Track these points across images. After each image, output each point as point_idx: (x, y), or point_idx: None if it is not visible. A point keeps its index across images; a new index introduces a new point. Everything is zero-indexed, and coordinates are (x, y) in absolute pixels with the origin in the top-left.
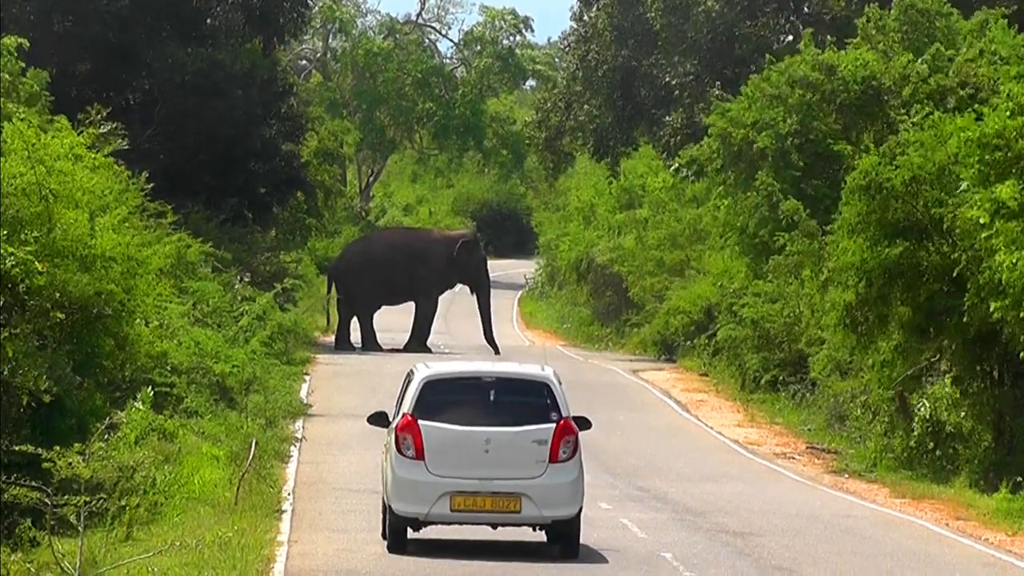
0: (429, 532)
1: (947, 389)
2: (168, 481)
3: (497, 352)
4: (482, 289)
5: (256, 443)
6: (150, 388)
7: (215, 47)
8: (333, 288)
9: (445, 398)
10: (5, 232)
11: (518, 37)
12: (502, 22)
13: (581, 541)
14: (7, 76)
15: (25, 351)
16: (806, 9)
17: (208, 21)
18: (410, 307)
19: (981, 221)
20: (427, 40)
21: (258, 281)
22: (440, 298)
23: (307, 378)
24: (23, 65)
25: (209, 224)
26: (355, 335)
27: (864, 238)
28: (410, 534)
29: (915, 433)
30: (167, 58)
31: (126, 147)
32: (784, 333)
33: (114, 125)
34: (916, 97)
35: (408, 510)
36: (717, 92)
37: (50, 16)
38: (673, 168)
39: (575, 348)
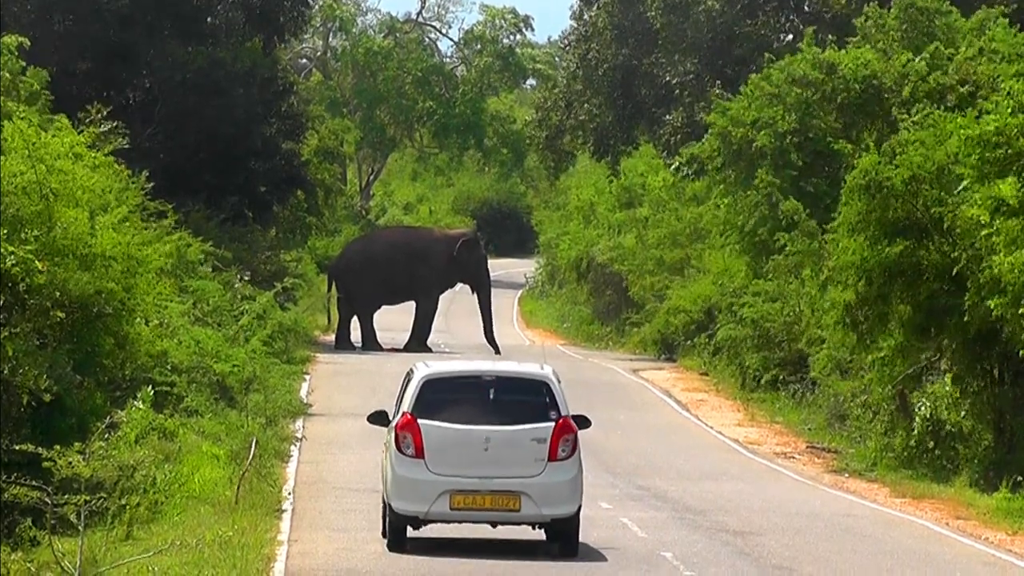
0: (429, 530)
1: (947, 388)
2: (168, 480)
3: (498, 351)
4: (482, 288)
5: (256, 442)
6: (150, 387)
7: (215, 46)
8: (333, 287)
9: (445, 397)
10: (5, 231)
11: (518, 36)
12: (502, 21)
13: (581, 540)
14: (7, 75)
15: (25, 350)
16: (806, 8)
17: (208, 20)
18: (410, 306)
19: (981, 220)
20: (427, 39)
21: (258, 280)
22: (440, 297)
23: (307, 377)
24: (23, 64)
25: (209, 223)
26: (355, 334)
27: (864, 237)
28: (410, 532)
29: (915, 432)
30: (167, 57)
31: (126, 146)
32: (784, 332)
33: (114, 124)
34: (915, 96)
35: (408, 508)
36: (717, 91)
37: (50, 15)
38: (674, 167)
39: (575, 347)
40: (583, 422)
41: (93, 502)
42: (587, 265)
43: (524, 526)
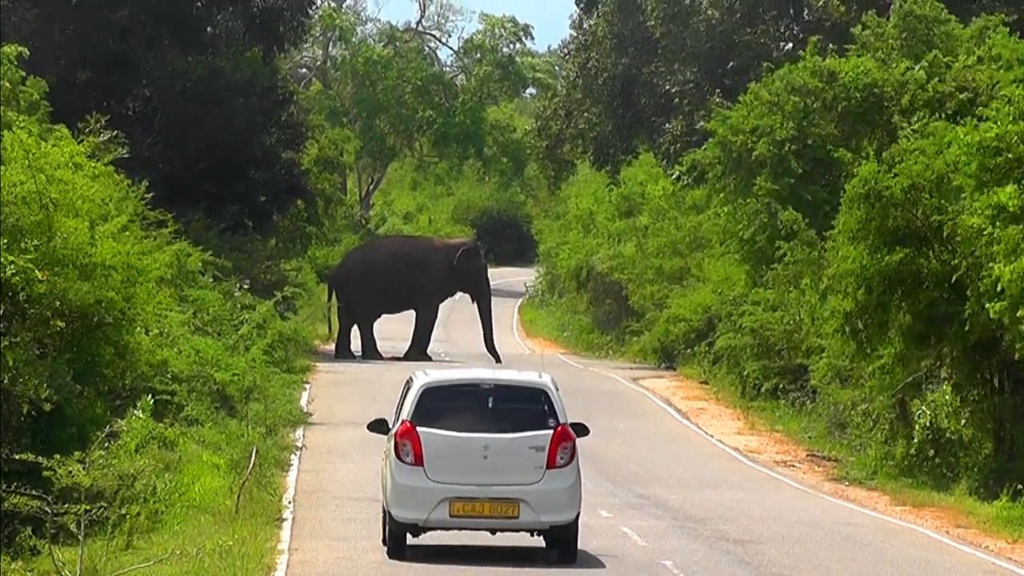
0: (428, 538)
1: (947, 397)
2: (168, 489)
3: (498, 360)
4: (482, 297)
5: (256, 451)
6: (150, 396)
7: (215, 55)
8: (333, 296)
9: (444, 405)
10: (5, 240)
11: (518, 45)
12: (502, 30)
13: (582, 549)
14: (7, 84)
15: (25, 359)
16: (806, 16)
17: (208, 29)
18: (410, 315)
19: (982, 228)
20: (427, 48)
21: (258, 289)
22: (440, 306)
23: (307, 386)
24: (23, 74)
25: (209, 232)
26: (355, 343)
27: (864, 245)
28: (410, 540)
29: (915, 441)
30: (167, 66)
31: (126, 155)
32: (784, 341)
33: (114, 133)
34: (915, 104)
35: (407, 516)
36: (717, 100)
37: (51, 25)
38: (674, 176)
39: (575, 356)
40: (581, 430)
41: (93, 511)
42: (587, 274)
43: (523, 533)
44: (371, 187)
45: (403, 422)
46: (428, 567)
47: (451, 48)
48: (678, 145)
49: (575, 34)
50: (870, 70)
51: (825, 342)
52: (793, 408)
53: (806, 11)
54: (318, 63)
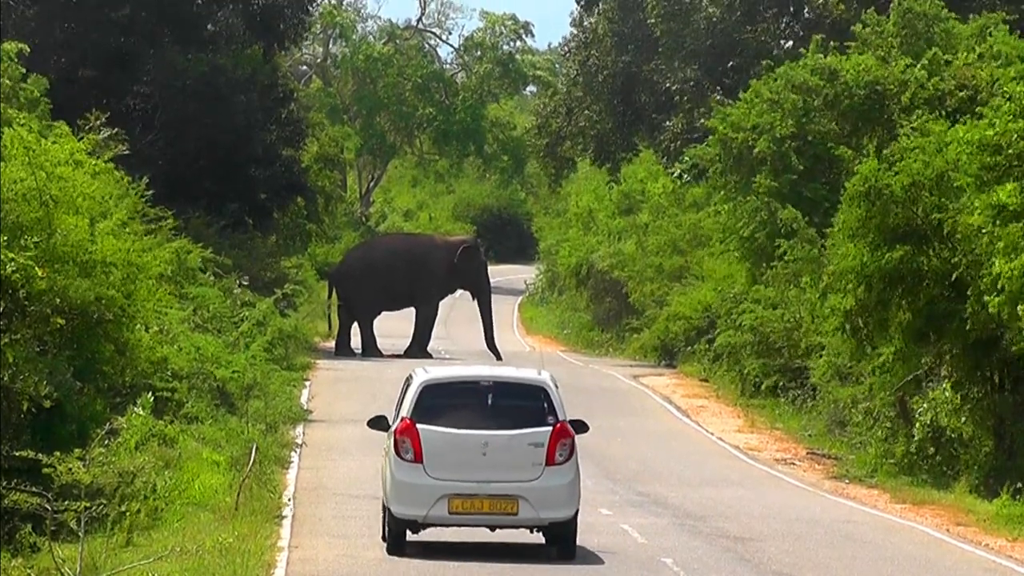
0: (428, 534)
1: (947, 394)
2: (168, 487)
3: (499, 357)
4: (483, 294)
5: (256, 448)
6: (150, 393)
7: (216, 53)
8: (334, 294)
9: (443, 402)
10: (5, 237)
11: (518, 42)
12: (502, 27)
13: (582, 547)
14: (8, 82)
15: (25, 356)
16: (806, 14)
17: (209, 27)
18: (410, 313)
19: (981, 227)
20: (427, 45)
21: (258, 287)
22: (441, 304)
23: (307, 384)
24: (24, 71)
25: (209, 229)
26: (355, 341)
27: (864, 243)
28: (409, 536)
29: (916, 438)
30: (168, 64)
31: (126, 152)
32: (784, 339)
33: (114, 130)
34: (915, 102)
35: (407, 512)
36: (717, 97)
37: (51, 22)
38: (675, 174)
39: (575, 354)
40: (580, 427)
41: (93, 508)
42: (587, 271)
43: (522, 530)
44: (371, 184)
45: (403, 419)
46: (428, 563)
47: (451, 45)
48: (678, 143)
49: (575, 32)
50: (871, 67)
51: (825, 340)
52: (793, 406)
53: (806, 9)
54: (318, 60)
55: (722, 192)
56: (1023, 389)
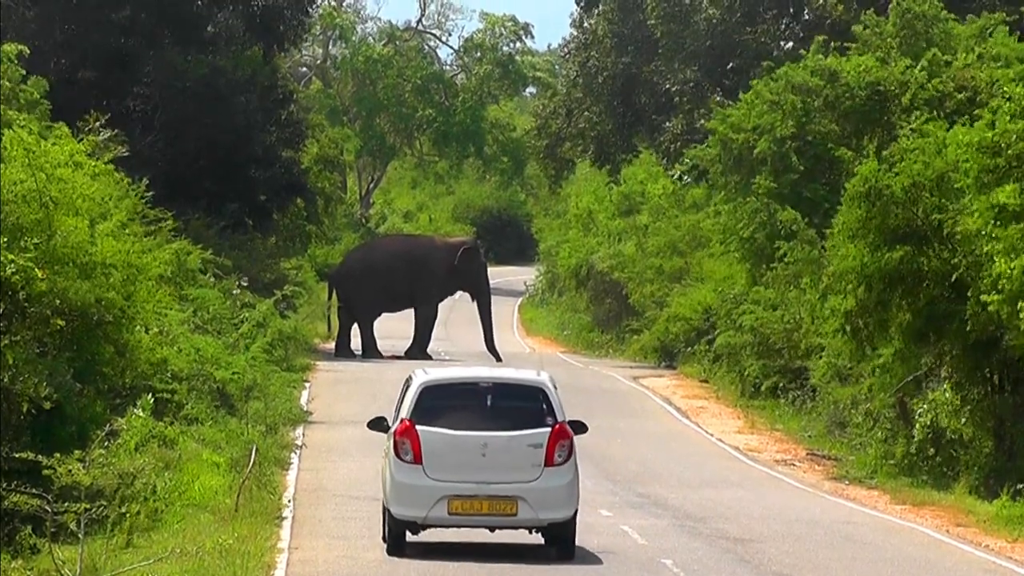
0: (428, 535)
1: (947, 395)
2: (168, 488)
3: (498, 359)
4: (482, 296)
5: (256, 450)
6: (150, 395)
7: (215, 54)
8: (334, 295)
9: (443, 403)
10: (5, 239)
11: (518, 44)
12: (502, 29)
13: (581, 546)
14: (7, 83)
15: (25, 358)
16: (805, 16)
17: (209, 28)
18: (410, 314)
19: (980, 230)
20: (427, 47)
21: (258, 288)
22: (440, 305)
23: (307, 385)
24: (23, 72)
25: (209, 231)
26: (355, 342)
27: (864, 244)
28: (409, 537)
29: (915, 439)
30: (167, 65)
31: (126, 154)
32: (784, 340)
33: (114, 132)
34: (915, 103)
35: (407, 513)
36: (717, 98)
37: (51, 24)
38: (676, 175)
39: (575, 355)
40: (579, 427)
41: (93, 510)
42: (587, 273)
43: (521, 530)
44: (371, 186)
45: (402, 420)
46: (427, 564)
47: (451, 47)
48: (678, 144)
49: (575, 33)
50: (871, 68)
51: (825, 341)
52: (793, 407)
53: (806, 10)
54: (318, 62)
55: (722, 193)
56: (1023, 390)
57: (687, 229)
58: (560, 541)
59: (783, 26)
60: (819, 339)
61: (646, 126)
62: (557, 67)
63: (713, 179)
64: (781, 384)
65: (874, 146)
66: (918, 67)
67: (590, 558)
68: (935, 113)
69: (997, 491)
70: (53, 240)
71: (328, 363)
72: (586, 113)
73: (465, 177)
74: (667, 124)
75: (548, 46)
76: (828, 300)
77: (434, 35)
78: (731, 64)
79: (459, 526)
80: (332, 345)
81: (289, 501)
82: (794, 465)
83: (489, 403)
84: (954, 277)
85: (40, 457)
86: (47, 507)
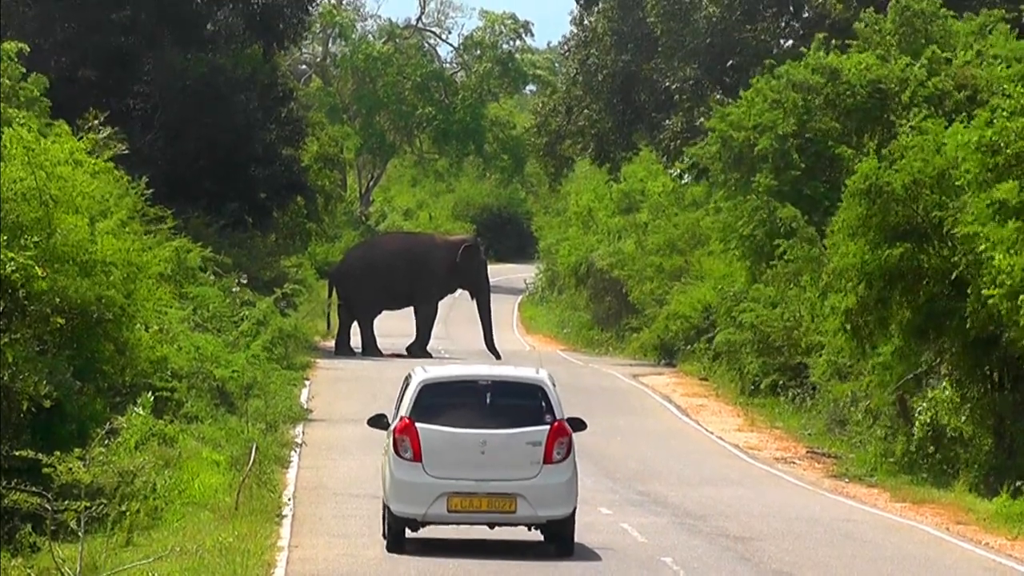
0: (428, 532)
1: (947, 393)
2: (168, 486)
3: (498, 357)
4: (482, 294)
5: (256, 448)
6: (150, 393)
7: (215, 52)
8: (334, 293)
9: (442, 401)
10: (5, 237)
11: (518, 42)
12: (502, 26)
13: (580, 543)
14: (7, 81)
15: (25, 356)
16: (805, 13)
17: (209, 27)
18: (410, 312)
19: (979, 231)
20: (427, 44)
21: (258, 286)
22: (440, 303)
23: (307, 383)
24: (23, 70)
25: (209, 229)
26: (355, 340)
27: (864, 241)
28: (409, 533)
29: (915, 437)
30: (167, 63)
31: (126, 151)
32: (784, 338)
33: (113, 130)
34: (915, 100)
35: (406, 511)
36: (717, 96)
37: (52, 23)
38: (676, 173)
39: (575, 353)
40: (578, 424)
41: (93, 508)
42: (587, 271)
43: (521, 527)
44: (371, 183)
45: (402, 418)
46: (427, 561)
47: (451, 45)
48: (678, 142)
49: (575, 30)
50: (872, 66)
51: (825, 339)
52: (793, 405)
53: (806, 8)
54: (318, 60)
55: (722, 191)
56: (1023, 388)
57: (687, 227)
58: (559, 538)
59: (783, 24)
60: (819, 337)
61: (646, 124)
62: (557, 65)
63: (713, 176)
64: (781, 382)
65: (874, 144)
66: (917, 65)
67: (590, 556)
68: (935, 111)
69: (997, 489)
70: (53, 238)
71: (328, 361)
72: (586, 111)
73: (465, 175)
74: (667, 122)
75: (548, 44)
76: (828, 298)
77: (434, 33)
78: (731, 62)
79: (458, 523)
80: (332, 343)
81: (289, 499)
82: (794, 463)
83: (488, 401)
84: (954, 274)
85: (40, 455)
86: (47, 505)
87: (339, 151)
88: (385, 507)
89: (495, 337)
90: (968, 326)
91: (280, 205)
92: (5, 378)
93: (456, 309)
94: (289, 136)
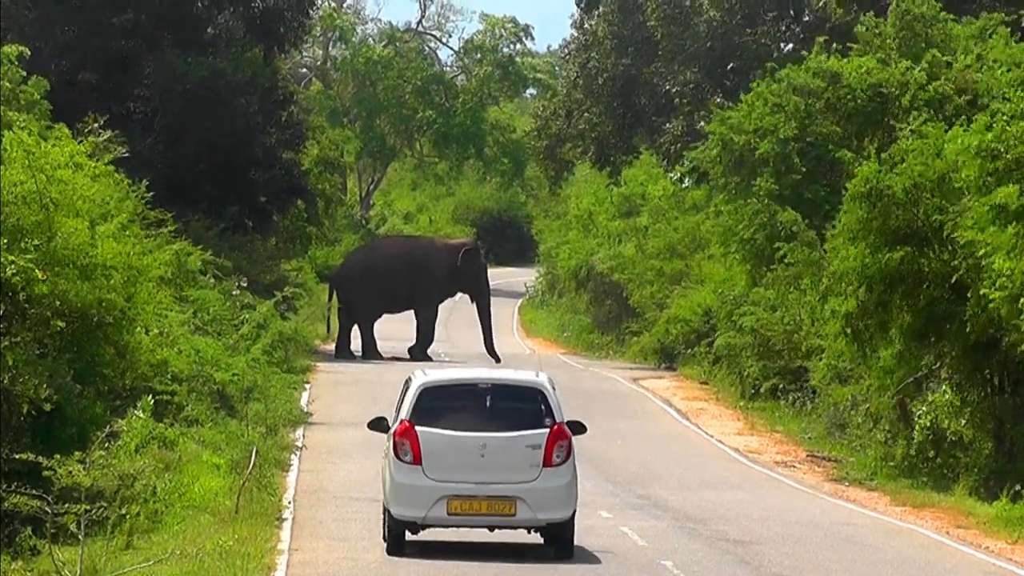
0: (427, 535)
1: (947, 397)
2: (168, 489)
3: (498, 360)
4: (482, 297)
5: (256, 451)
6: (150, 396)
7: (216, 56)
8: (334, 296)
9: (442, 404)
10: (6, 240)
11: (518, 45)
12: (502, 30)
13: (580, 546)
14: (8, 84)
15: (26, 359)
16: (806, 17)
17: (209, 30)
18: (410, 315)
19: (979, 237)
20: (427, 48)
21: (258, 289)
22: (440, 306)
23: (308, 386)
24: (24, 73)
25: (209, 232)
26: (355, 343)
27: (865, 244)
28: (409, 536)
29: (916, 441)
30: (168, 67)
31: (126, 155)
32: (784, 341)
33: (114, 133)
34: (915, 105)
35: (406, 514)
36: (718, 100)
37: (52, 26)
38: (676, 177)
39: (575, 356)
40: (578, 427)
41: (93, 511)
42: (587, 274)
43: (520, 530)
44: (371, 187)
45: (402, 421)
46: (427, 564)
47: (451, 48)
48: (678, 145)
49: (575, 34)
50: (873, 70)
51: (825, 342)
52: (793, 408)
53: (806, 12)
54: (318, 63)
55: (723, 194)
56: (1023, 392)
57: (687, 231)
58: (559, 541)
59: (783, 28)
60: (819, 340)
61: (646, 127)
62: (557, 68)
63: (714, 180)
64: (781, 385)
65: (874, 148)
66: (918, 68)
67: (590, 559)
68: (935, 115)
69: (997, 493)
70: (53, 241)
71: (328, 364)
72: (586, 114)
73: (465, 178)
74: (667, 125)
75: (548, 47)
76: (828, 301)
77: (434, 36)
78: (731, 65)
79: (458, 526)
80: (332, 347)
81: (289, 503)
82: (794, 467)
83: (488, 404)
84: (954, 278)
85: (40, 458)
86: (47, 508)
87: (339, 155)
88: (385, 510)
89: (495, 341)
90: (968, 330)
91: (280, 209)
92: (5, 381)
93: (456, 313)
94: (289, 140)
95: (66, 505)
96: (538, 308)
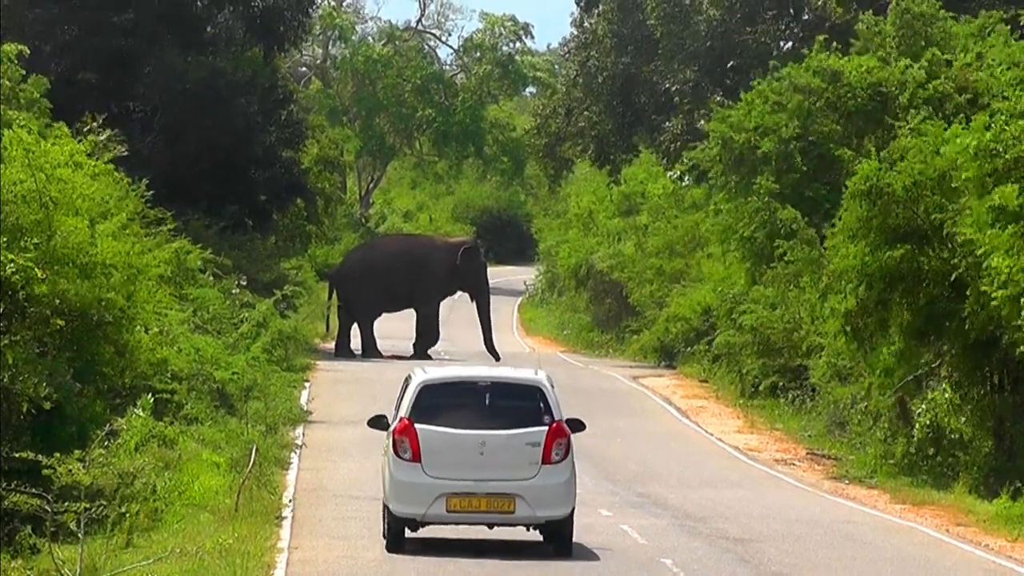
0: (427, 532)
1: (947, 395)
2: (168, 488)
3: (497, 359)
4: (481, 296)
5: (256, 450)
6: (150, 395)
7: (216, 55)
8: (334, 295)
9: (441, 402)
10: (5, 239)
11: (518, 44)
12: (502, 29)
13: (579, 543)
14: (8, 83)
15: (25, 358)
16: (805, 16)
17: (209, 29)
18: (410, 314)
19: (978, 236)
20: (427, 47)
21: (258, 288)
22: (440, 304)
23: (307, 385)
24: (24, 72)
25: (209, 231)
26: (355, 342)
27: (865, 243)
28: (408, 533)
29: (915, 439)
30: (168, 66)
31: (126, 154)
32: (784, 339)
33: (113, 132)
34: (915, 103)
35: (406, 511)
36: (717, 99)
37: (52, 25)
38: (676, 175)
39: (575, 355)
40: (577, 425)
41: (93, 510)
42: (587, 273)
43: (520, 527)
44: (371, 186)
45: (401, 419)
46: (426, 561)
47: (451, 47)
48: (678, 144)
49: (575, 33)
50: (873, 69)
51: (825, 341)
52: (793, 406)
53: (805, 11)
54: (318, 62)
55: (722, 193)
56: (1023, 390)
57: (687, 229)
58: (558, 538)
59: (783, 26)
60: (819, 338)
61: (646, 126)
62: (557, 67)
63: (713, 179)
64: (781, 383)
65: (875, 146)
66: (917, 67)
67: (589, 556)
68: (935, 114)
69: (997, 490)
70: (53, 240)
71: (328, 363)
72: (586, 113)
73: (465, 177)
74: (667, 124)
75: (548, 46)
76: (828, 299)
77: (434, 35)
78: (731, 64)
79: (457, 523)
80: (332, 345)
81: (289, 501)
82: (794, 464)
83: (487, 402)
84: (954, 276)
85: (40, 457)
86: (47, 507)
87: (339, 153)
88: (385, 507)
89: (495, 339)
90: (968, 328)
91: (280, 207)
92: (5, 380)
93: (456, 311)
94: (289, 138)
95: (66, 503)
96: (538, 306)
